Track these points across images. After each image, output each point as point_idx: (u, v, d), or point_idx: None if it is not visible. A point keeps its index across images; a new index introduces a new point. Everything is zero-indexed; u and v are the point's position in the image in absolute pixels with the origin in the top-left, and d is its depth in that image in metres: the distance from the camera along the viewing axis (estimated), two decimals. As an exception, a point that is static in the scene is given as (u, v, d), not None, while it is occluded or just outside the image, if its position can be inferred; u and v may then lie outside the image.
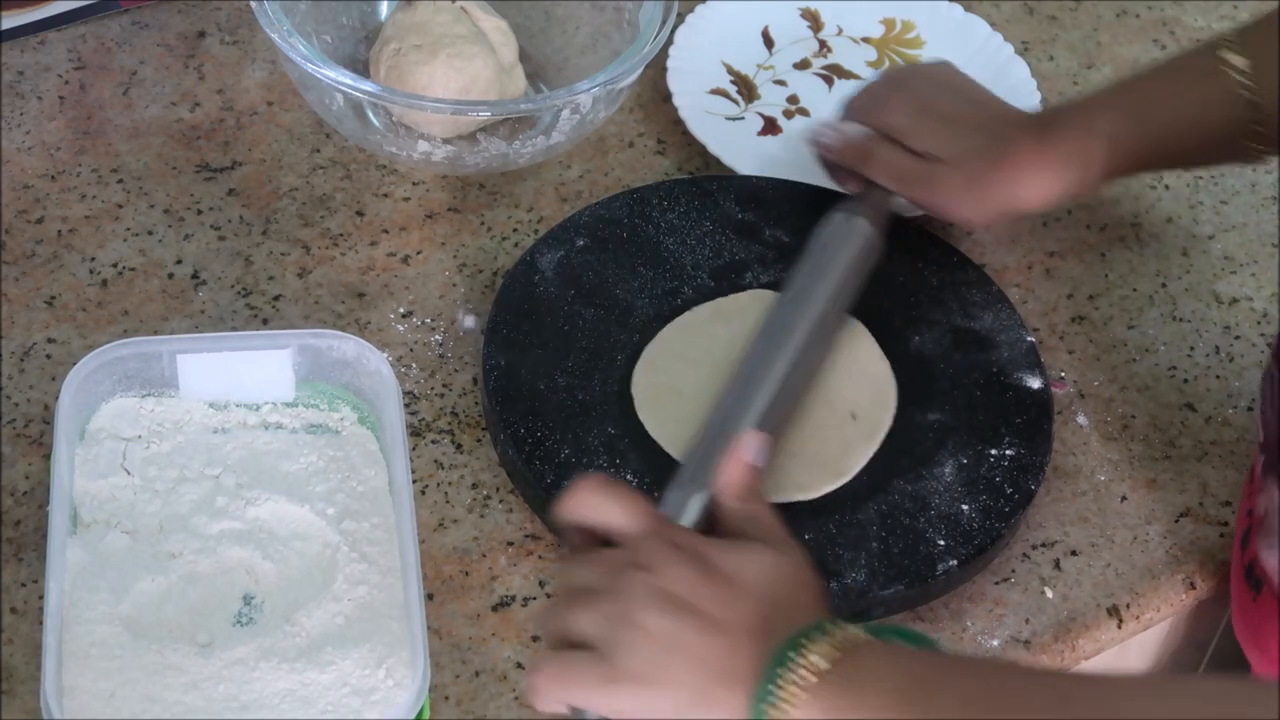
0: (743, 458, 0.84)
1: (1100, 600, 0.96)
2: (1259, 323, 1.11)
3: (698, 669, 0.75)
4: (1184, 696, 0.71)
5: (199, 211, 1.10)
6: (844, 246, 1.01)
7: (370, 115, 1.08)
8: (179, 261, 1.07)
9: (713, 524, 0.84)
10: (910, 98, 1.05)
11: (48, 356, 1.02)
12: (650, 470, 0.96)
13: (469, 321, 1.05)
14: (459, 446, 1.00)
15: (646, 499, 0.82)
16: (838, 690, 0.73)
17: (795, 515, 0.95)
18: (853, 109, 1.08)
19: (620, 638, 0.76)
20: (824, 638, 0.75)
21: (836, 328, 1.00)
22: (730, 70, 1.21)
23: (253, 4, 1.06)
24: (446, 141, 1.09)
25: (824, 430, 0.98)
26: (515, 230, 1.11)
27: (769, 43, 1.24)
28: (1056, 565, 0.97)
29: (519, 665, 0.91)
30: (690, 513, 0.85)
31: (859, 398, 1.00)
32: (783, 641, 0.75)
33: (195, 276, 1.07)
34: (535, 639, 0.91)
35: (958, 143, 1.03)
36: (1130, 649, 1.01)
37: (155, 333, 1.03)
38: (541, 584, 0.94)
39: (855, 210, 1.03)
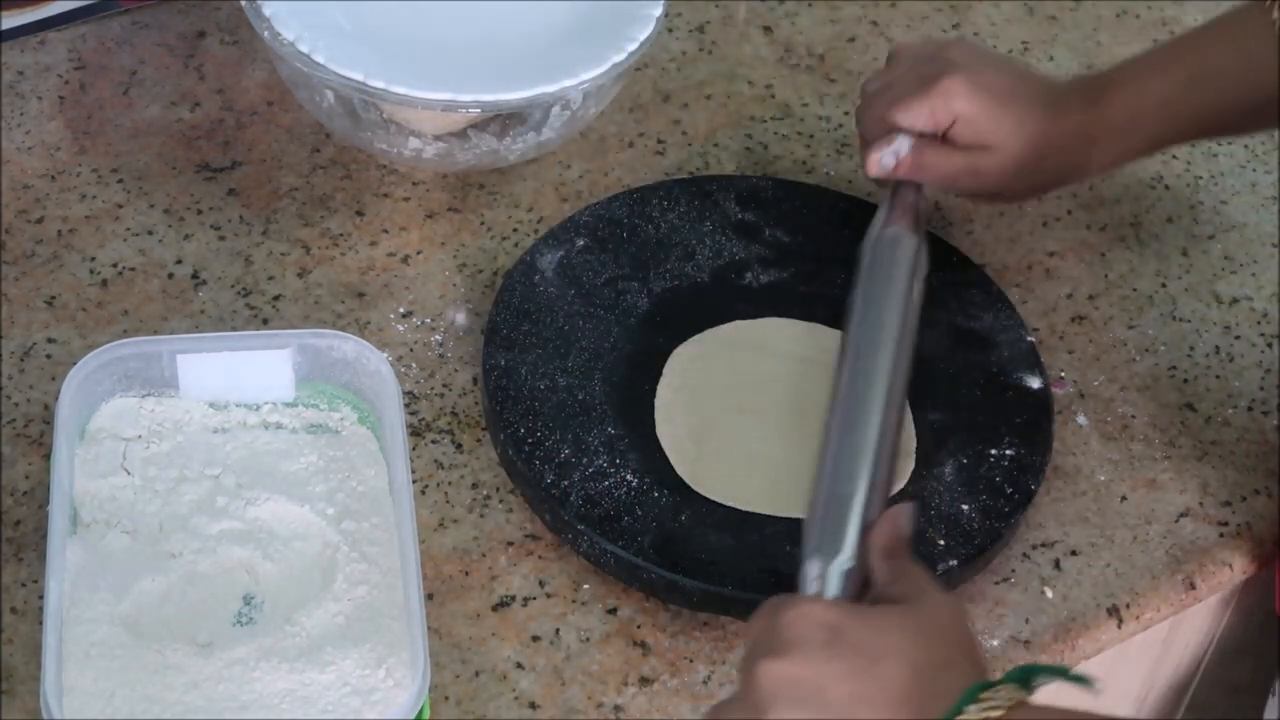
0: (897, 526, 0.82)
1: (1100, 600, 0.96)
2: (1259, 323, 1.11)
3: None
4: None
5: (199, 211, 1.10)
6: (901, 268, 0.98)
7: (361, 112, 1.08)
8: (179, 261, 1.07)
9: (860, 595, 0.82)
10: (964, 76, 1.01)
11: (48, 356, 1.02)
12: (650, 470, 0.96)
13: (460, 318, 1.05)
14: (459, 446, 1.00)
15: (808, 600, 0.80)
16: None
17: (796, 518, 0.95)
18: (899, 116, 1.02)
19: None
20: (986, 703, 0.71)
21: (911, 355, 0.96)
22: None
23: (243, 3, 1.06)
24: (437, 138, 1.09)
25: None
26: (515, 230, 1.11)
27: None
28: (1056, 565, 0.97)
29: (519, 665, 0.91)
30: (833, 583, 0.82)
31: None
32: (946, 709, 0.72)
33: (195, 276, 1.07)
34: (535, 639, 0.92)
35: (1016, 134, 1.00)
36: (1130, 649, 1.01)
37: (155, 333, 1.03)
38: (541, 584, 0.94)
39: (897, 224, 1.00)
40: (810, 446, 0.96)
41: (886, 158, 1.02)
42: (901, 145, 1.02)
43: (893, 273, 0.97)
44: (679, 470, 0.96)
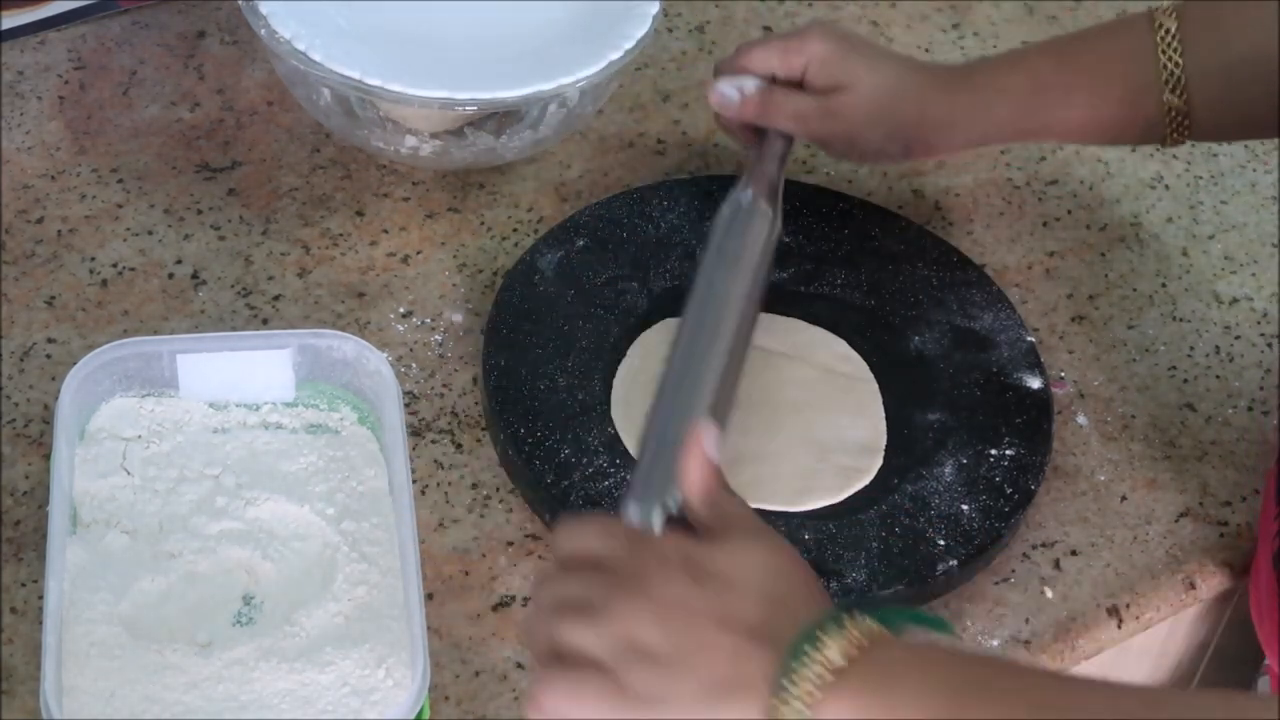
0: (702, 453, 0.79)
1: (1100, 600, 0.96)
2: (1259, 323, 1.11)
3: (708, 679, 0.72)
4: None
5: (199, 211, 1.10)
6: (749, 235, 0.96)
7: (358, 110, 1.08)
8: (179, 261, 1.07)
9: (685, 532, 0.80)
10: (822, 27, 1.04)
11: (48, 356, 1.02)
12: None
13: (460, 318, 1.05)
14: (459, 446, 1.00)
15: (617, 520, 0.79)
16: (862, 690, 0.70)
17: (794, 515, 0.95)
18: (751, 56, 1.04)
19: (624, 657, 0.73)
20: (839, 632, 0.71)
21: (754, 321, 0.95)
22: None
23: (240, 2, 1.06)
24: (434, 136, 1.09)
25: (797, 460, 0.98)
26: (515, 230, 1.11)
27: None
28: (1056, 565, 0.97)
29: (519, 665, 0.91)
30: (655, 525, 0.80)
31: (845, 445, 0.99)
32: (793, 639, 0.72)
33: (195, 276, 1.07)
34: (535, 639, 0.91)
35: (871, 73, 1.01)
36: (1130, 649, 1.01)
37: (155, 333, 1.03)
38: (541, 584, 0.94)
39: (749, 191, 0.98)
40: (773, 440, 0.99)
41: (729, 90, 1.03)
42: (746, 83, 1.03)
43: (740, 237, 0.96)
44: (632, 451, 0.96)
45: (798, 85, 1.03)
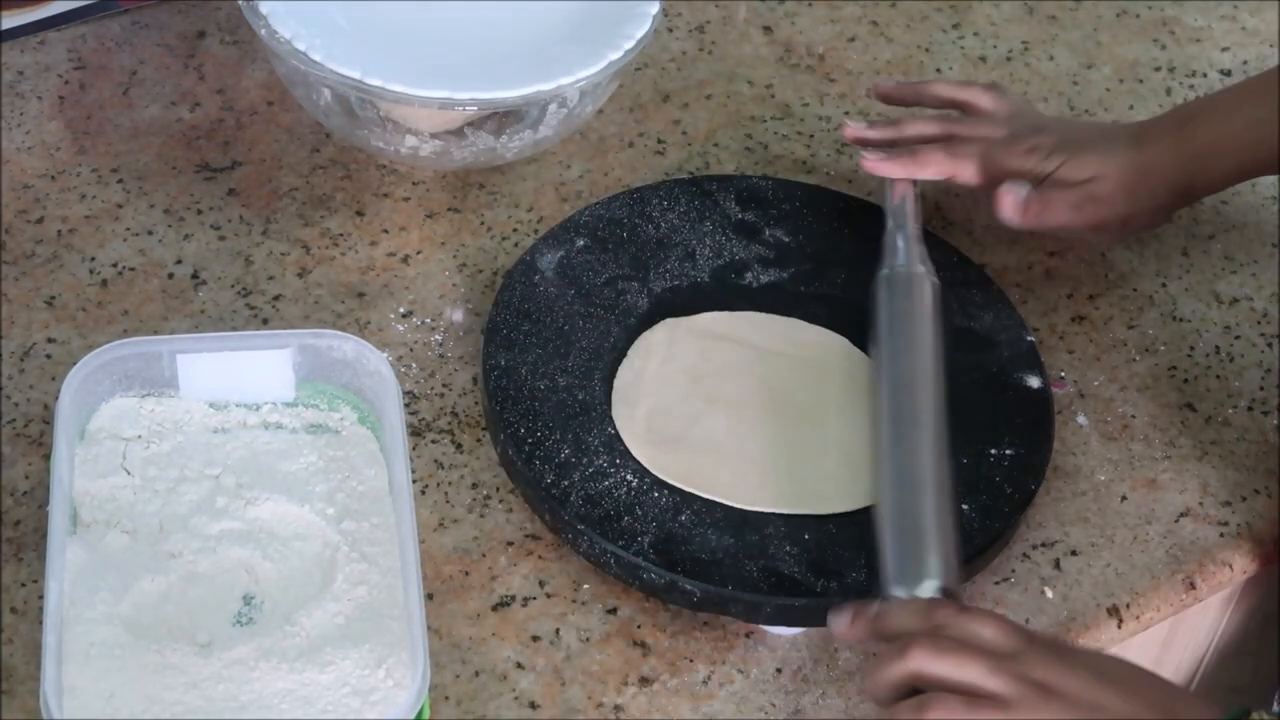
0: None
1: (1100, 600, 0.96)
2: (1259, 323, 1.11)
3: None
4: None
5: (199, 211, 1.10)
6: (919, 303, 1.01)
7: (358, 110, 1.08)
8: (179, 261, 1.07)
9: None
10: (1047, 127, 1.07)
11: (48, 356, 1.02)
12: (649, 470, 0.96)
13: (460, 318, 1.05)
14: (459, 446, 1.00)
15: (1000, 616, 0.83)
16: None
17: (794, 515, 0.95)
18: (1008, 161, 1.07)
19: None
20: None
21: (944, 379, 0.98)
22: None
23: (240, 2, 1.06)
24: (434, 136, 1.09)
25: (818, 464, 0.98)
26: (515, 230, 1.11)
27: None
28: (1056, 565, 0.97)
29: (519, 665, 0.91)
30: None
31: (866, 446, 0.99)
32: None
33: (195, 276, 1.07)
34: (535, 639, 0.91)
35: (1102, 155, 1.05)
36: (1130, 649, 1.01)
37: (155, 333, 1.03)
38: (541, 584, 0.94)
39: (901, 257, 1.03)
40: (773, 440, 0.98)
41: (1018, 195, 1.05)
42: (1021, 189, 1.05)
43: (918, 316, 1.00)
44: (634, 452, 0.97)
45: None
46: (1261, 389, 1.07)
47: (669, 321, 1.04)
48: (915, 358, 0.97)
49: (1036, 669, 0.79)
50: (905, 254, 1.03)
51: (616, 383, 1.01)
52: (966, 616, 0.82)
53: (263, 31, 1.05)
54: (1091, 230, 1.06)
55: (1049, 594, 0.96)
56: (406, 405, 1.00)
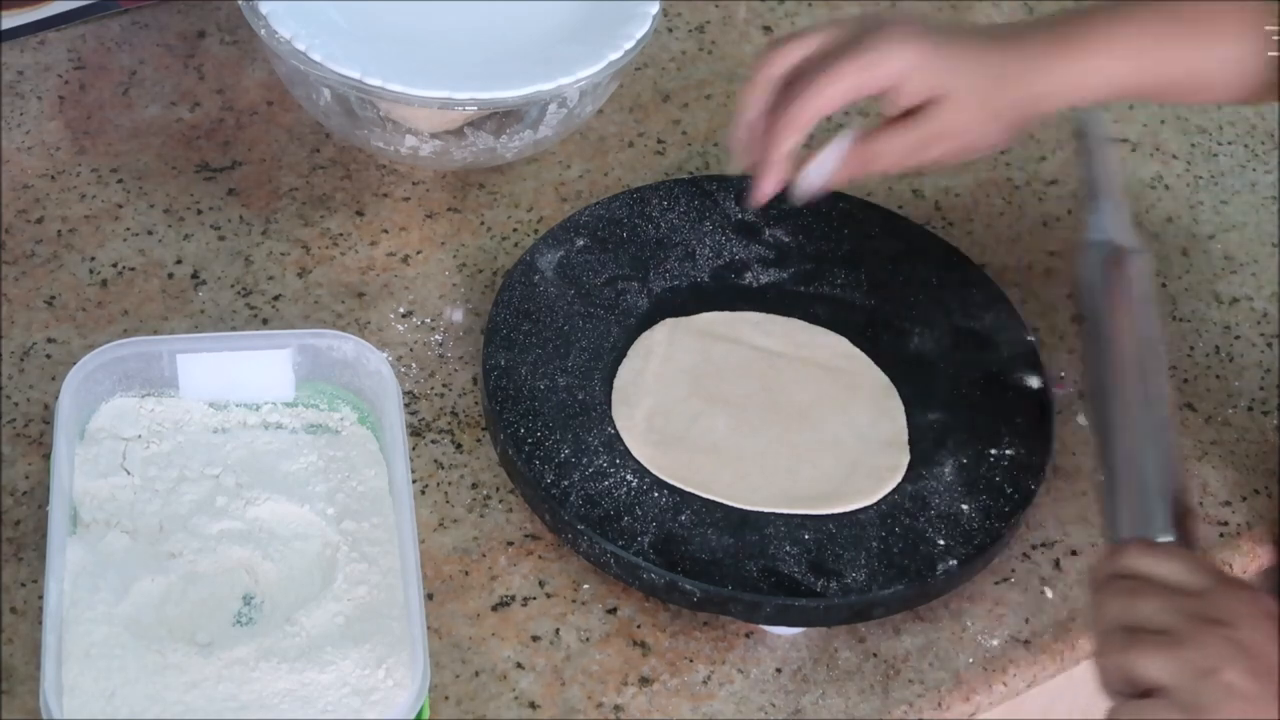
0: None
1: (1100, 600, 0.96)
2: (1259, 323, 1.11)
3: None
4: None
5: (199, 211, 1.10)
6: (1137, 281, 0.94)
7: (358, 110, 1.08)
8: (179, 261, 1.07)
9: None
10: (904, 46, 0.93)
11: (48, 356, 1.02)
12: (649, 470, 0.96)
13: (460, 318, 1.05)
14: (459, 446, 1.00)
15: (1194, 554, 0.80)
16: None
17: (794, 515, 0.95)
18: (823, 94, 0.94)
19: (1204, 694, 0.73)
20: None
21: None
22: None
23: (240, 2, 1.06)
24: (434, 136, 1.09)
25: (822, 464, 0.98)
26: (515, 230, 1.11)
27: None
28: (1056, 565, 0.97)
29: (519, 665, 0.91)
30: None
31: (869, 444, 0.99)
32: None
33: (195, 276, 1.07)
34: (535, 639, 0.91)
35: (964, 73, 0.93)
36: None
37: (155, 332, 1.03)
38: (541, 584, 0.94)
39: (1105, 231, 0.95)
40: (773, 440, 0.98)
41: (818, 175, 0.97)
42: (828, 156, 0.96)
43: (1136, 292, 0.93)
44: (634, 451, 0.97)
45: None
46: (1261, 389, 1.07)
47: (669, 321, 1.04)
48: (1143, 330, 0.91)
49: (1213, 609, 0.76)
50: (1113, 226, 0.95)
51: (616, 383, 1.01)
52: (1154, 554, 0.79)
53: (262, 31, 1.05)
54: (925, 169, 0.99)
55: (1049, 594, 0.96)
56: (406, 405, 1.00)
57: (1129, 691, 0.76)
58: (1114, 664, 0.76)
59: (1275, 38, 0.93)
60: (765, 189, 0.97)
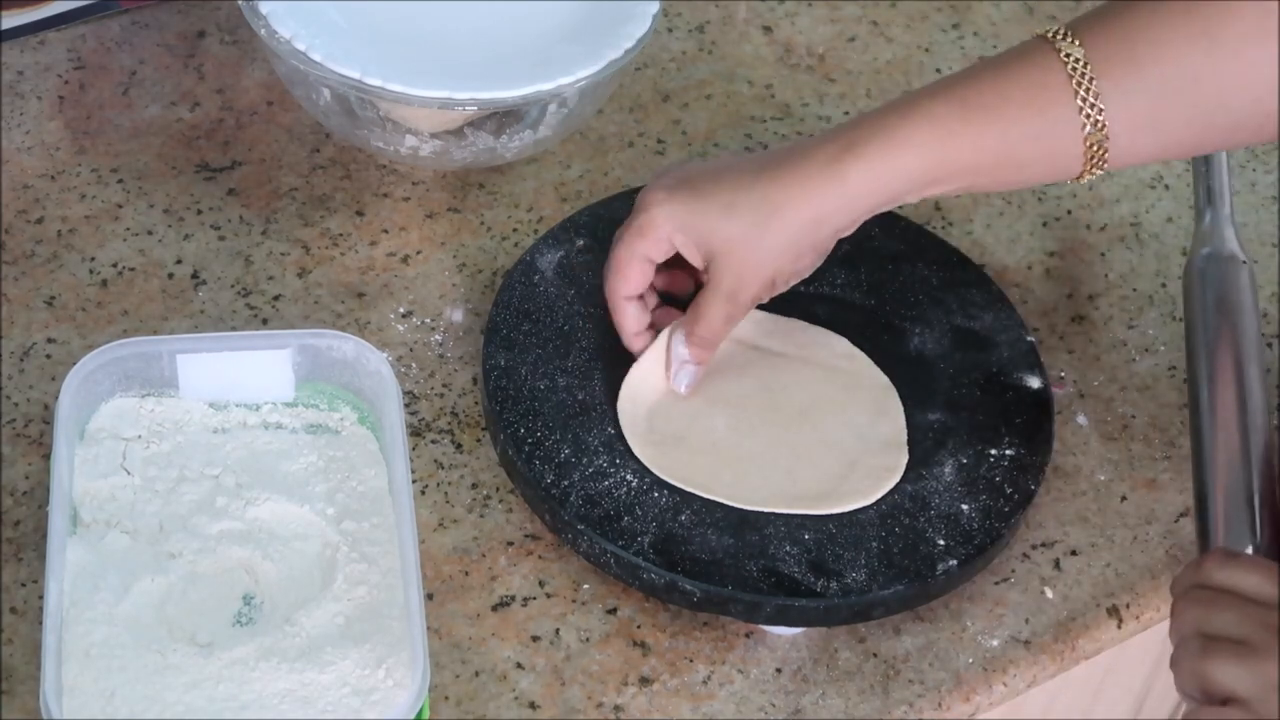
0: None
1: (1100, 600, 0.96)
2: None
3: None
4: None
5: (199, 211, 1.10)
6: (1241, 293, 0.98)
7: (357, 110, 1.08)
8: (179, 261, 1.07)
9: None
10: (666, 213, 0.94)
11: (48, 356, 1.02)
12: (649, 470, 0.96)
13: (460, 318, 1.05)
14: (459, 446, 1.00)
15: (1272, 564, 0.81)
16: None
17: (794, 515, 0.95)
18: (627, 280, 0.97)
19: (1277, 701, 0.74)
20: None
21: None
22: None
23: (240, 2, 1.06)
24: (434, 136, 1.09)
25: (822, 463, 0.98)
26: (515, 230, 1.11)
27: None
28: (1056, 565, 0.97)
29: (519, 665, 0.91)
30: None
31: (869, 444, 0.99)
32: None
33: (195, 276, 1.07)
34: (535, 639, 0.92)
35: (732, 219, 0.92)
36: (1130, 649, 1.01)
37: (155, 333, 1.03)
38: (541, 584, 0.94)
39: (1209, 239, 1.01)
40: (773, 440, 0.98)
41: (686, 376, 0.99)
42: (677, 352, 0.98)
43: (1242, 303, 0.98)
44: (636, 451, 0.97)
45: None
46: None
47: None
48: (1244, 341, 0.96)
49: None
50: (1221, 236, 1.00)
51: (624, 384, 1.00)
52: (1235, 564, 0.81)
53: (262, 31, 1.05)
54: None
55: (1049, 594, 0.96)
56: (406, 405, 1.00)
57: (1204, 699, 0.77)
58: (1189, 670, 0.77)
59: (1078, 102, 0.88)
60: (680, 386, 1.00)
